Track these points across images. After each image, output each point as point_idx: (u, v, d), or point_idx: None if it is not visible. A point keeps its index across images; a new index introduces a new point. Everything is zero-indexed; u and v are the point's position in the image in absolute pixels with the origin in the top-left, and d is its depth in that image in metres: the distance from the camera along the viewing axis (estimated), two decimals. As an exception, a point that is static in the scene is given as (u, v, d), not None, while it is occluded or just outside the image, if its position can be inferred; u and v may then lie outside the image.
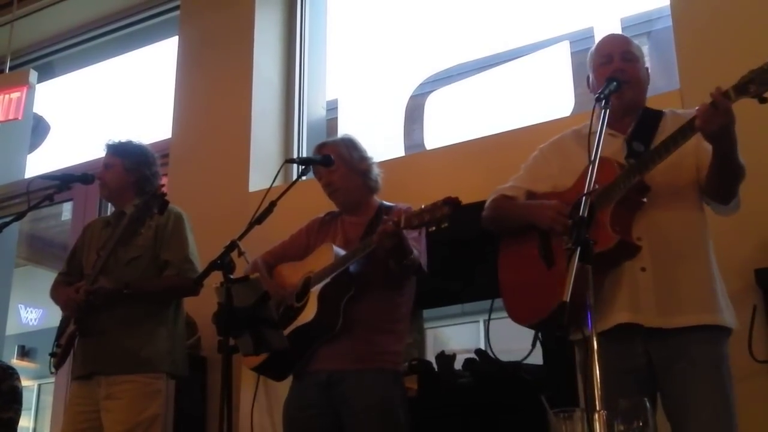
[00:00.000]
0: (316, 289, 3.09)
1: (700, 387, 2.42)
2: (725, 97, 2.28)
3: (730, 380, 2.48)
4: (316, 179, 3.38)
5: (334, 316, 3.04)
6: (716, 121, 2.30)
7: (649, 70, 2.84)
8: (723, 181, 2.51)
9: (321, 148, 3.38)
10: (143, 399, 3.35)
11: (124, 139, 3.74)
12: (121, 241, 3.39)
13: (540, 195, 2.79)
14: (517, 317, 2.74)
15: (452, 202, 2.71)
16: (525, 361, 3.94)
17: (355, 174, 3.30)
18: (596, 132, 2.39)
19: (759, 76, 2.22)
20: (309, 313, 3.07)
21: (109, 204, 4.29)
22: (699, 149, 2.54)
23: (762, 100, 2.22)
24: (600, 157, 2.33)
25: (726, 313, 2.52)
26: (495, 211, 2.87)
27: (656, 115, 2.74)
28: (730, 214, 2.65)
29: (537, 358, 4.44)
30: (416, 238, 3.09)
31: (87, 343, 3.47)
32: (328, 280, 3.06)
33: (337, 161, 3.25)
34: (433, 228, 2.78)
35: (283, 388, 3.40)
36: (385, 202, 3.34)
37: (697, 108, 2.35)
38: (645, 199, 2.54)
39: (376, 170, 3.36)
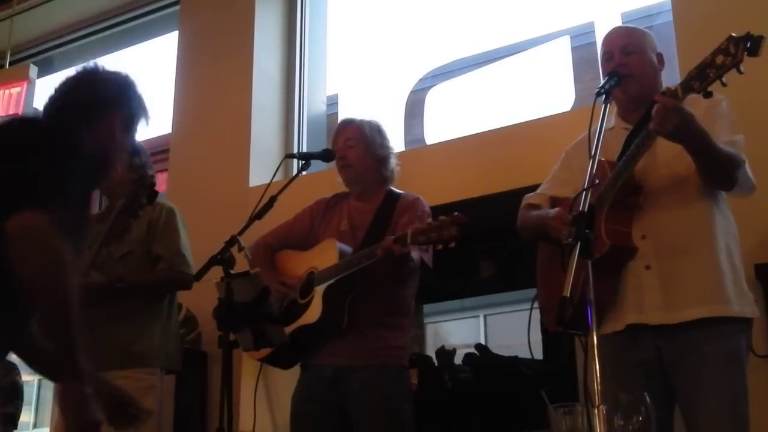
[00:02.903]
0: (320, 289, 3.09)
1: (707, 382, 2.40)
2: (673, 96, 2.27)
3: (741, 374, 2.44)
4: (333, 149, 3.33)
5: (339, 316, 3.04)
6: (669, 122, 2.28)
7: (663, 56, 2.79)
8: (709, 173, 2.48)
9: (347, 124, 3.38)
10: (137, 395, 3.33)
11: None
12: (113, 235, 3.38)
13: (561, 200, 2.76)
14: (549, 323, 2.74)
15: (459, 223, 2.71)
16: (524, 356, 3.95)
17: (372, 157, 3.29)
18: (595, 129, 2.38)
19: (700, 72, 2.20)
20: (314, 313, 3.07)
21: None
22: None
23: (706, 95, 2.21)
24: (599, 160, 2.31)
25: (737, 303, 2.46)
26: (521, 221, 2.87)
27: None
28: (746, 196, 2.59)
29: (537, 353, 4.45)
30: None
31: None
32: (332, 281, 3.06)
33: (357, 138, 3.27)
34: (441, 247, 2.78)
35: (283, 380, 3.41)
36: (395, 189, 3.32)
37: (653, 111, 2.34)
38: (640, 200, 2.52)
39: (393, 161, 3.35)
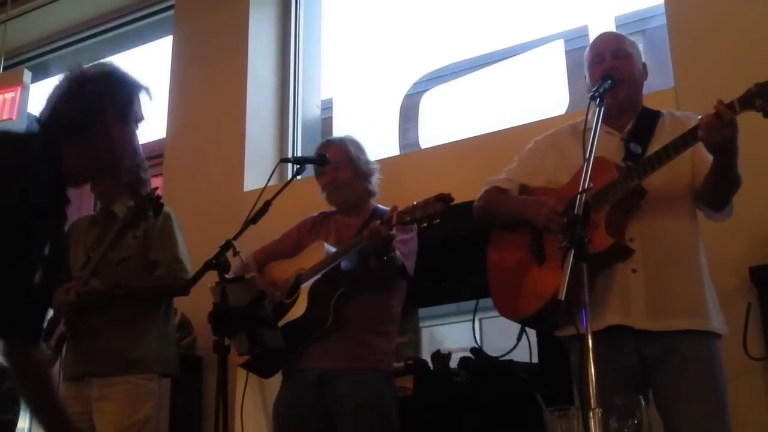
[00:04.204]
0: (306, 286, 3.09)
1: (691, 382, 2.43)
2: (729, 109, 2.28)
3: (722, 376, 2.49)
4: (316, 176, 3.37)
5: (324, 312, 3.04)
6: (720, 133, 2.29)
7: (647, 66, 2.83)
8: (719, 191, 2.51)
9: (328, 144, 3.38)
10: (136, 400, 3.34)
11: None
12: (112, 242, 3.38)
13: (533, 189, 2.79)
14: (505, 312, 2.75)
15: (444, 199, 2.73)
16: (520, 359, 3.96)
17: (360, 176, 3.31)
18: (591, 130, 2.38)
19: (765, 91, 2.21)
20: (299, 309, 3.07)
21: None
22: (695, 155, 2.54)
23: (766, 114, 2.22)
24: (597, 156, 2.32)
25: (715, 319, 2.53)
26: (487, 203, 2.86)
27: (654, 116, 2.74)
28: (721, 220, 2.65)
29: (531, 355, 4.45)
30: (404, 240, 3.09)
31: (78, 344, 3.46)
32: (318, 276, 3.07)
33: (344, 160, 3.27)
34: (425, 224, 2.79)
35: (276, 384, 3.40)
36: (379, 206, 3.33)
37: (700, 117, 2.35)
38: (641, 203, 2.54)
39: (377, 175, 3.38)
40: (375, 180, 3.36)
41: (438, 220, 2.74)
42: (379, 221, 2.88)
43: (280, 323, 3.09)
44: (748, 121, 2.33)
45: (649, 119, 2.72)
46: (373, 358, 3.08)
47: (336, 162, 3.27)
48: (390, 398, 3.10)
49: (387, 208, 3.28)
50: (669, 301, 2.49)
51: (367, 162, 3.36)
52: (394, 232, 2.87)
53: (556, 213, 2.54)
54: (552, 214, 2.56)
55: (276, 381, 3.40)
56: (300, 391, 3.11)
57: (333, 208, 3.41)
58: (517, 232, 2.74)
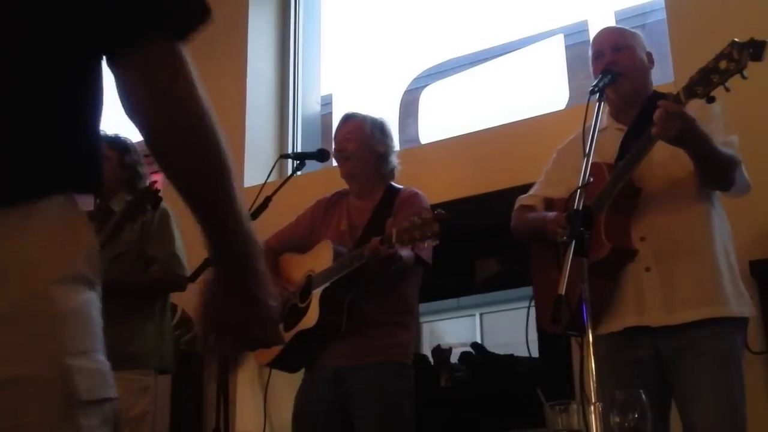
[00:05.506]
0: (317, 292, 3.08)
1: (703, 381, 2.41)
2: (675, 101, 2.27)
3: (738, 373, 2.46)
4: (333, 139, 3.35)
5: (337, 318, 3.02)
6: (672, 127, 2.28)
7: (652, 55, 2.79)
8: (709, 175, 2.49)
9: (349, 118, 3.37)
10: (132, 396, 3.34)
11: (111, 133, 3.70)
12: (110, 236, 3.37)
13: (557, 201, 2.76)
14: (543, 323, 2.75)
15: (443, 219, 2.72)
16: (520, 354, 3.97)
17: (369, 152, 3.28)
18: (590, 127, 2.37)
19: (703, 78, 2.20)
20: (311, 317, 3.06)
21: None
22: None
23: (709, 100, 2.21)
24: (592, 162, 2.31)
25: (734, 303, 2.48)
26: (516, 222, 2.88)
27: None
28: (740, 196, 2.60)
29: (533, 351, 4.45)
30: None
31: None
32: (327, 284, 3.06)
33: (356, 133, 3.27)
34: (425, 244, 2.78)
35: (280, 383, 3.41)
36: (394, 184, 3.31)
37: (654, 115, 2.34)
38: (638, 202, 2.52)
39: (394, 160, 3.34)
40: (391, 163, 3.32)
41: (437, 242, 2.74)
42: (378, 238, 2.85)
43: (295, 330, 3.10)
44: (748, 113, 2.33)
45: (654, 108, 2.69)
46: (385, 351, 3.06)
47: (348, 133, 3.28)
48: (403, 391, 3.08)
49: (401, 187, 3.27)
50: (683, 294, 2.46)
51: (382, 142, 3.31)
52: (394, 249, 2.84)
53: (558, 224, 2.53)
54: (555, 227, 2.56)
55: (281, 380, 3.40)
56: (318, 386, 3.12)
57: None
58: (548, 246, 2.74)
